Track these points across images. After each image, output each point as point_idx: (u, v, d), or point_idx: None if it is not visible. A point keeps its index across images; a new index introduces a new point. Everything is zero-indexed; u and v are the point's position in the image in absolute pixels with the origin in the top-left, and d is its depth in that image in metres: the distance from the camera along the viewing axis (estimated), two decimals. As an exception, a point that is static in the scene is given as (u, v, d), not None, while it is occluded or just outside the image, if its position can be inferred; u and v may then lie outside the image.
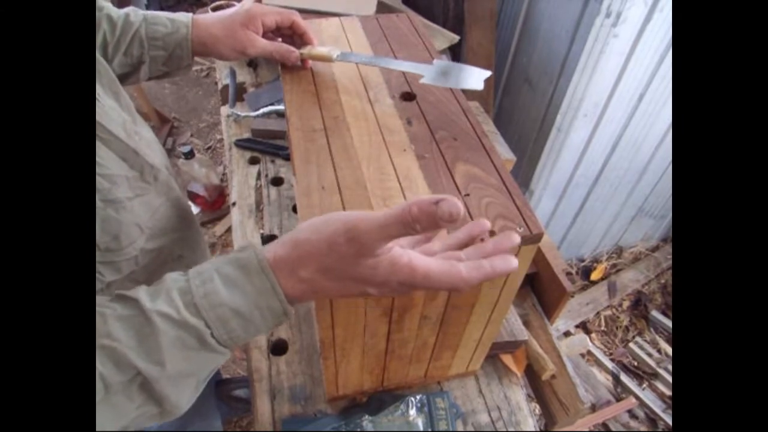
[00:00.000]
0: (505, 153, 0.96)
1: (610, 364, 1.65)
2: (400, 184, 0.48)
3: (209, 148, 2.42)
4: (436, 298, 0.51)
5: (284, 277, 0.38)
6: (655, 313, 1.80)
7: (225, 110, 1.12)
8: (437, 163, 0.50)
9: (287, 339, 0.73)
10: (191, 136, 2.46)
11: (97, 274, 0.52)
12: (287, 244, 0.39)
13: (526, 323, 0.76)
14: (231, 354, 0.41)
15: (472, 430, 0.66)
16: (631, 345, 1.73)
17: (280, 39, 0.67)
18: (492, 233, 0.43)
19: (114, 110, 0.54)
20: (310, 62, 0.64)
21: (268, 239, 0.85)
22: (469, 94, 0.67)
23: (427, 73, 0.58)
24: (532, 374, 0.75)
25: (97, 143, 0.49)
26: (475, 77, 0.56)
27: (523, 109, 1.58)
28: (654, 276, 1.92)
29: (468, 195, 0.47)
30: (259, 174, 0.98)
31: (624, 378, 1.61)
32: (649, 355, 1.68)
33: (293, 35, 0.66)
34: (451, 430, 0.64)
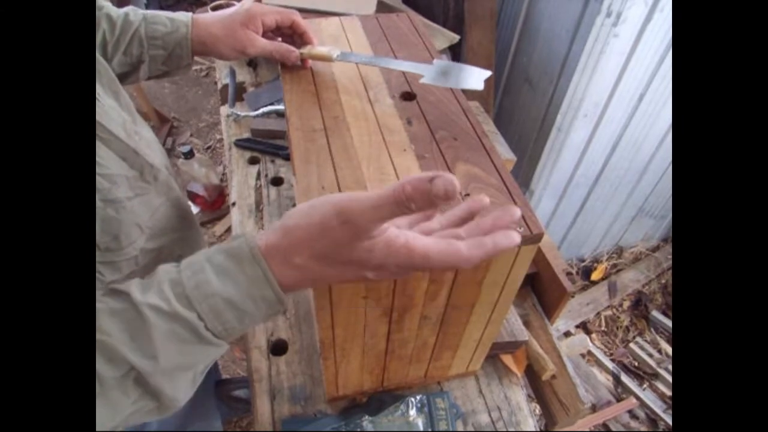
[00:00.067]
0: (505, 153, 0.96)
1: (610, 365, 1.65)
2: (400, 184, 0.48)
3: (209, 147, 2.42)
4: (436, 298, 0.51)
5: (277, 265, 0.37)
6: (656, 314, 1.80)
7: (225, 110, 1.11)
8: (437, 163, 0.50)
9: (287, 339, 0.73)
10: (191, 135, 2.46)
11: (97, 274, 0.52)
12: (278, 231, 0.38)
13: (527, 323, 0.76)
14: (228, 346, 0.40)
15: (472, 430, 0.66)
16: (632, 345, 1.73)
17: (280, 38, 0.67)
18: None
19: (114, 110, 0.54)
20: (310, 62, 0.64)
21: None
22: (469, 93, 0.67)
23: (427, 72, 0.58)
24: (532, 374, 0.75)
25: (97, 143, 0.49)
26: (475, 77, 0.56)
27: (523, 109, 1.58)
28: (654, 276, 1.92)
29: (468, 195, 0.47)
30: (258, 174, 0.98)
31: (624, 378, 1.61)
32: (650, 355, 1.68)
33: (293, 35, 0.66)
34: (451, 430, 0.64)
